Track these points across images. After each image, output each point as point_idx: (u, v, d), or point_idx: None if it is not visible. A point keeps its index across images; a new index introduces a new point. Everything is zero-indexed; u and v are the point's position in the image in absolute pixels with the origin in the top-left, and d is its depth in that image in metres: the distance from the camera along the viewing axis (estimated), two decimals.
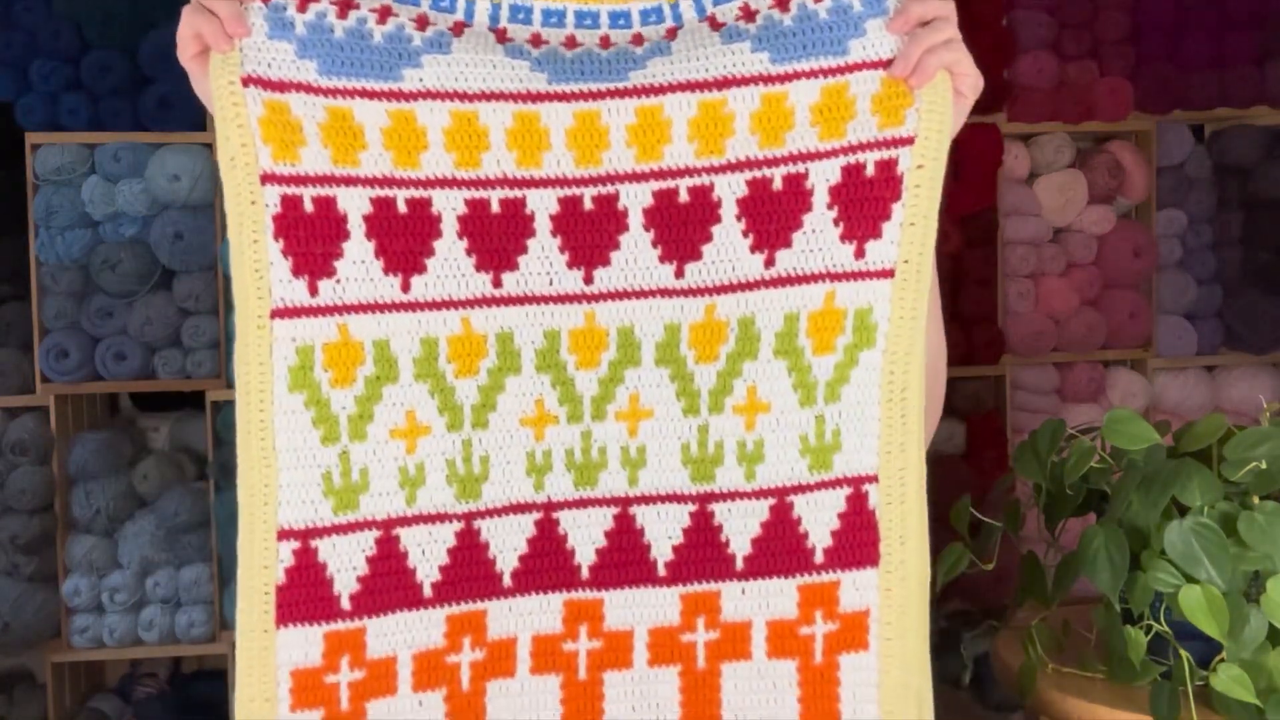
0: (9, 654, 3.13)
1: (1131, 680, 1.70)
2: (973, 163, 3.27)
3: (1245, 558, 1.60)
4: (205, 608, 3.07)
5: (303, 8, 1.04)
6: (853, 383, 1.10)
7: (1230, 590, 1.58)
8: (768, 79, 1.06)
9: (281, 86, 1.03)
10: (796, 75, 1.06)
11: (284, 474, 1.03)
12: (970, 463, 3.30)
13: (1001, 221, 3.37)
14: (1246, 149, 3.49)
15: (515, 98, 1.05)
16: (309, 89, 1.03)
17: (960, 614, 3.18)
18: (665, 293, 1.08)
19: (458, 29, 1.07)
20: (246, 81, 1.02)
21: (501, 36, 1.08)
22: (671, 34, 1.09)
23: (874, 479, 1.11)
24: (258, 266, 1.02)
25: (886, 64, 1.07)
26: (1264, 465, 1.62)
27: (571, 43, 1.08)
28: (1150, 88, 3.42)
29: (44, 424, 3.08)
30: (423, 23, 1.06)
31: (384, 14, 1.06)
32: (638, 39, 1.09)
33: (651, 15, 1.10)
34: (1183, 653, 1.63)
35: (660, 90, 1.06)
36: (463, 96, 1.05)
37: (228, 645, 3.08)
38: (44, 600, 3.05)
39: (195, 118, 3.02)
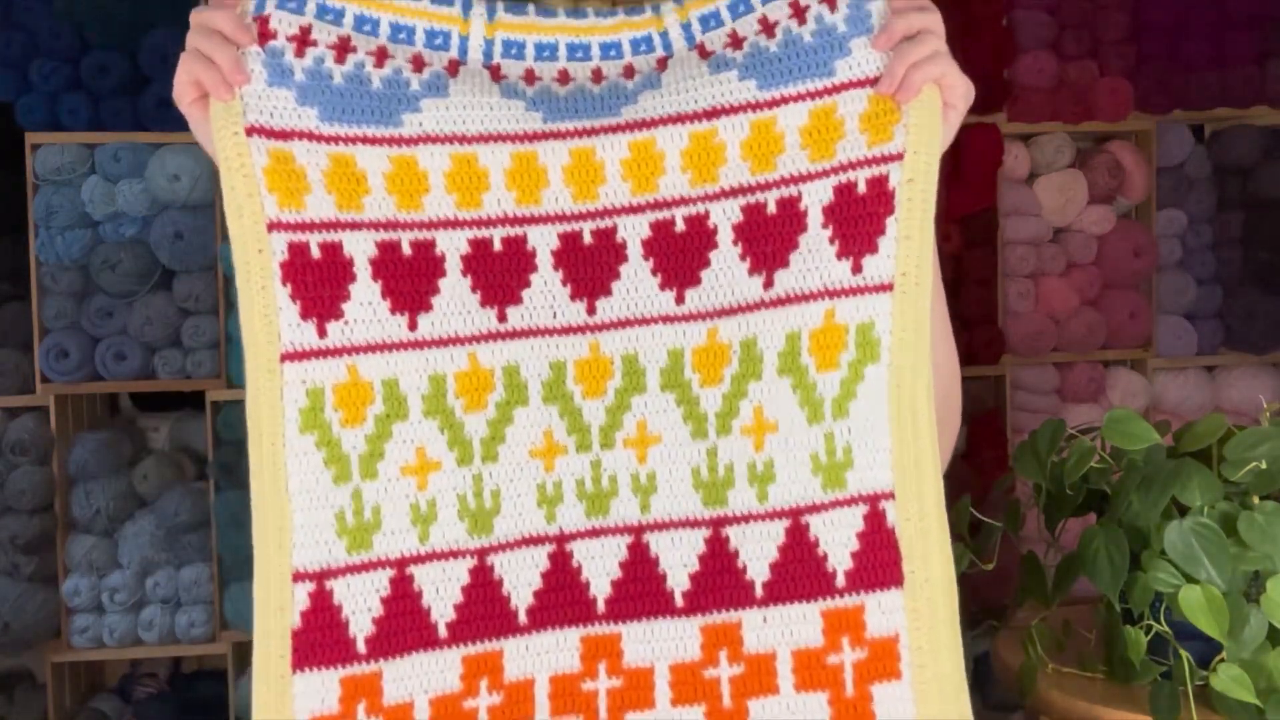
0: (9, 654, 3.14)
1: (1131, 680, 1.70)
2: (973, 163, 3.27)
3: (1245, 558, 1.60)
4: (205, 608, 3.07)
5: (300, 53, 1.04)
6: (860, 398, 1.09)
7: (1230, 590, 1.58)
8: (755, 106, 1.07)
9: (284, 135, 1.03)
10: (784, 100, 1.07)
11: (297, 515, 1.03)
12: (970, 463, 3.30)
13: (1001, 221, 3.37)
14: (1246, 149, 3.49)
15: (513, 138, 1.06)
16: (311, 136, 1.04)
17: (960, 614, 3.18)
18: (667, 319, 1.08)
19: (453, 67, 1.08)
20: (250, 131, 1.02)
21: (496, 74, 1.08)
22: (662, 64, 1.09)
23: (890, 495, 1.08)
24: (266, 312, 1.03)
25: (873, 81, 1.07)
26: (1264, 465, 1.62)
27: (565, 77, 1.09)
28: (1150, 88, 3.42)
29: (44, 424, 3.09)
30: (419, 63, 1.07)
31: (380, 56, 1.06)
32: (629, 70, 1.09)
33: (642, 44, 1.10)
34: (1183, 653, 1.63)
35: (651, 124, 1.07)
36: (462, 139, 1.06)
37: (228, 645, 3.08)
38: (44, 600, 3.05)
39: None
